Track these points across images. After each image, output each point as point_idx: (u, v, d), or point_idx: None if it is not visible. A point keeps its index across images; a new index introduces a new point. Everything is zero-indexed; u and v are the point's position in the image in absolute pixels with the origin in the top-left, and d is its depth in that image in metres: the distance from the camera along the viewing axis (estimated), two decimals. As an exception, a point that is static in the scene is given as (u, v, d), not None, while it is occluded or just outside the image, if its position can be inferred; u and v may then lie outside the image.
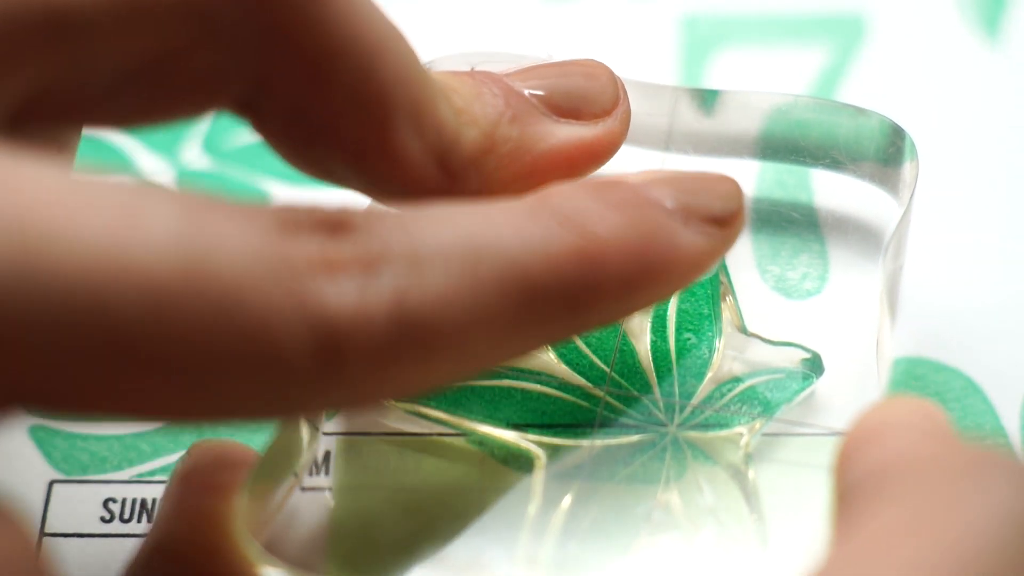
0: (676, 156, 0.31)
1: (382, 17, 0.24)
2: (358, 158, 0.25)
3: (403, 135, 0.24)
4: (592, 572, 0.26)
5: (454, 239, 0.21)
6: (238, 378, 0.20)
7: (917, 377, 0.30)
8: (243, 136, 0.34)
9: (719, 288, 0.29)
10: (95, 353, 0.19)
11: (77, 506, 0.29)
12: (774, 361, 0.28)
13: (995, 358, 0.30)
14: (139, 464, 0.30)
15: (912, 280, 0.31)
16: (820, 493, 0.24)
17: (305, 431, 0.27)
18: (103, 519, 0.29)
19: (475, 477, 0.28)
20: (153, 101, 0.24)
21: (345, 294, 0.20)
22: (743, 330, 0.29)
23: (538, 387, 0.28)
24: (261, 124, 0.25)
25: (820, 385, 0.28)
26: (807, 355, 0.28)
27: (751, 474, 0.27)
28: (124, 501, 0.29)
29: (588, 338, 0.29)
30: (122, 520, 0.29)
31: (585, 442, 0.28)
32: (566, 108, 0.27)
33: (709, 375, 0.28)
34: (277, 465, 0.26)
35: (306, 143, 0.25)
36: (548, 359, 0.29)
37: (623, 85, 0.28)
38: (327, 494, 0.28)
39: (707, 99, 0.30)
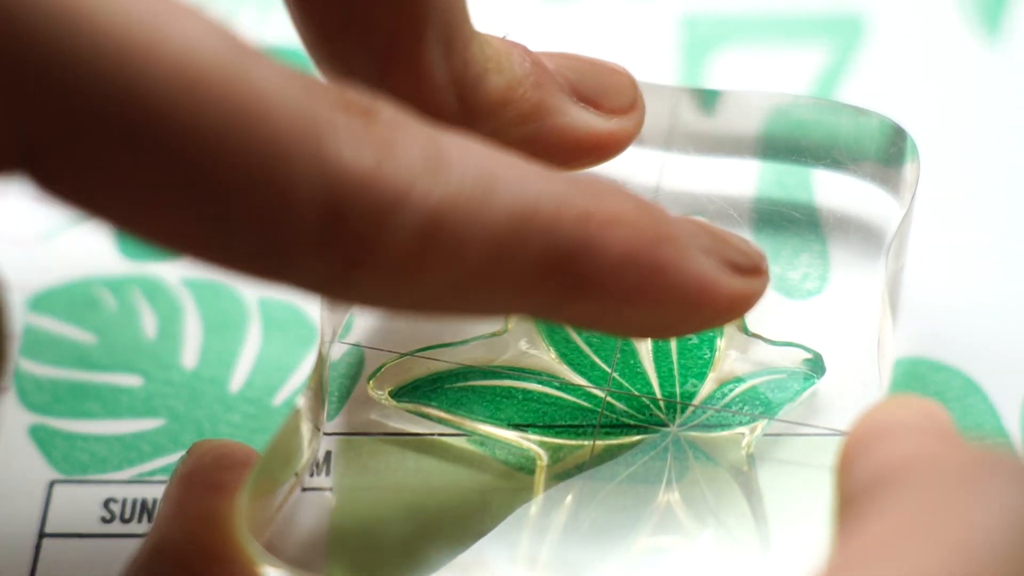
0: (676, 156, 0.31)
1: None
2: (385, 59, 0.25)
3: (432, 51, 0.25)
4: (593, 572, 0.26)
5: (476, 160, 0.21)
6: (240, 203, 0.20)
7: (917, 377, 0.30)
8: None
9: (720, 288, 0.29)
10: (109, 122, 0.19)
11: (77, 506, 0.29)
12: (775, 361, 0.28)
13: (995, 358, 0.30)
14: (139, 464, 0.29)
15: (913, 280, 0.31)
16: (822, 493, 0.24)
17: (306, 431, 0.27)
18: (103, 519, 0.29)
19: (476, 477, 0.28)
20: None
21: (362, 159, 0.20)
22: (744, 330, 0.29)
23: (539, 387, 0.28)
24: (302, 10, 0.25)
25: (821, 385, 0.28)
26: (808, 355, 0.28)
27: (753, 474, 0.27)
28: (124, 501, 0.29)
29: (589, 338, 0.29)
30: (122, 520, 0.29)
31: (586, 442, 0.28)
32: (587, 95, 0.27)
33: (711, 375, 0.28)
34: (278, 465, 0.26)
35: (339, 28, 0.25)
36: (549, 359, 0.29)
37: (641, 94, 0.28)
38: (328, 494, 0.28)
39: (708, 99, 0.30)
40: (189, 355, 0.31)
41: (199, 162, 0.19)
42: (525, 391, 0.28)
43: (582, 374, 0.28)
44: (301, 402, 0.27)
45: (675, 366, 0.28)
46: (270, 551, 0.25)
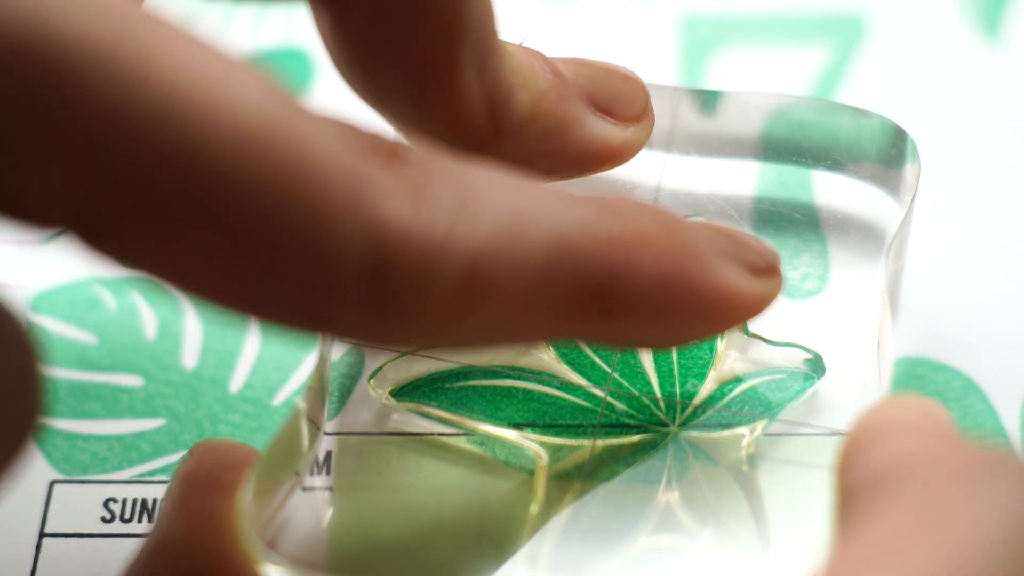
0: (677, 156, 0.31)
1: None
2: (420, 79, 0.25)
3: (467, 70, 0.25)
4: (593, 572, 0.26)
5: (505, 196, 0.21)
6: (287, 261, 0.20)
7: (917, 377, 0.30)
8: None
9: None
10: (165, 182, 0.19)
11: (77, 506, 0.29)
12: (776, 361, 0.28)
13: (995, 358, 0.30)
14: (139, 464, 0.29)
15: (913, 280, 0.31)
16: (822, 493, 0.24)
17: (306, 431, 0.27)
18: (103, 519, 0.29)
19: (476, 477, 0.28)
20: None
21: (400, 210, 0.20)
22: (744, 330, 0.29)
23: (540, 387, 0.28)
24: (343, 19, 0.25)
25: (822, 385, 0.28)
26: (808, 355, 0.28)
27: (753, 474, 0.27)
28: (124, 501, 0.29)
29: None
30: (123, 520, 0.29)
31: (586, 442, 0.28)
32: (602, 104, 0.27)
33: (711, 375, 0.28)
34: (278, 465, 0.26)
35: (378, 49, 0.25)
36: (549, 359, 0.29)
37: (651, 100, 0.28)
38: (328, 494, 0.28)
39: (708, 100, 0.30)
40: (189, 355, 0.31)
41: (250, 222, 0.19)
42: (525, 391, 0.28)
43: (582, 374, 0.28)
44: (301, 402, 0.27)
45: (675, 366, 0.28)
46: (270, 550, 0.25)
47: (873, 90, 0.35)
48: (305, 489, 0.28)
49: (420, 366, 0.29)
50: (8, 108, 0.18)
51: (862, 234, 0.31)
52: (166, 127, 0.19)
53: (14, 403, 0.20)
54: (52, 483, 0.29)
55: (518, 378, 0.28)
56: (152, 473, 0.29)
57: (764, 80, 0.35)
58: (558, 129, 0.27)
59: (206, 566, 0.25)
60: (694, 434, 0.28)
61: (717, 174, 0.31)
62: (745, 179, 0.31)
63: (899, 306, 0.30)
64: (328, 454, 0.28)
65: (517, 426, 0.28)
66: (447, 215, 0.21)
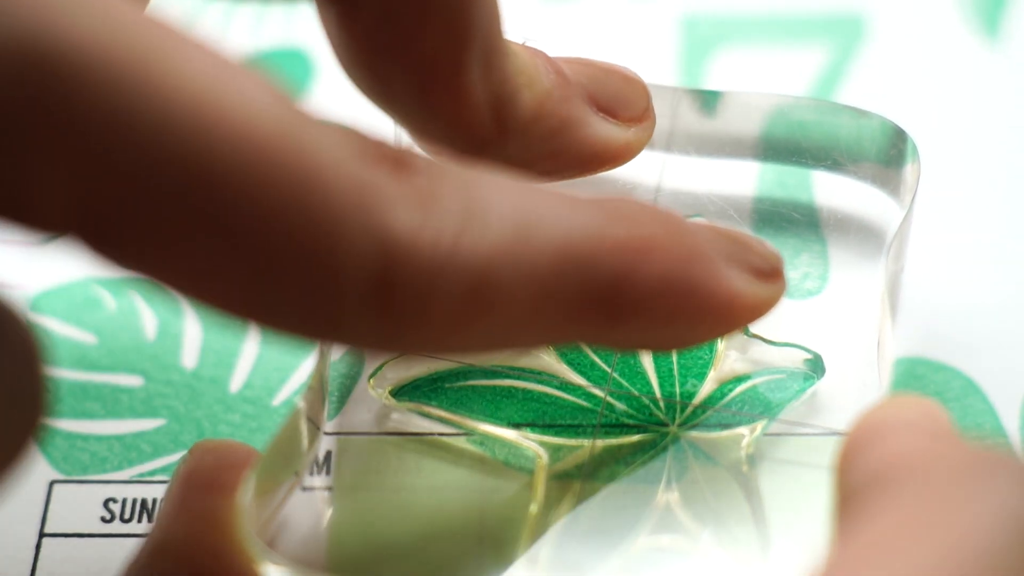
0: (677, 156, 0.31)
1: None
2: (426, 79, 0.25)
3: (473, 72, 0.25)
4: (592, 572, 0.26)
5: (511, 203, 0.21)
6: (294, 270, 0.20)
7: (917, 377, 0.30)
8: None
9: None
10: (172, 189, 0.19)
11: (77, 506, 0.29)
12: (775, 361, 0.28)
13: (995, 358, 0.30)
14: (139, 464, 0.29)
15: (912, 280, 0.31)
16: (822, 493, 0.24)
17: (306, 431, 0.27)
18: (103, 519, 0.29)
19: (476, 477, 0.28)
20: None
21: (407, 220, 0.20)
22: (744, 330, 0.29)
23: (539, 387, 0.28)
24: (351, 18, 0.25)
25: (821, 385, 0.28)
26: (808, 355, 0.28)
27: (752, 474, 0.27)
28: (124, 501, 0.29)
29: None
30: (122, 520, 0.29)
31: (586, 442, 0.28)
32: (605, 105, 0.27)
33: (711, 375, 0.28)
34: (278, 465, 0.26)
35: (385, 49, 0.25)
36: (549, 359, 0.29)
37: (651, 100, 0.28)
38: (328, 494, 0.28)
39: (708, 100, 0.30)
40: (189, 355, 0.31)
41: (256, 229, 0.19)
42: (525, 390, 0.28)
43: (582, 373, 0.28)
44: (301, 402, 0.27)
45: (675, 366, 0.28)
46: (271, 549, 0.25)
47: (873, 90, 0.35)
48: (305, 489, 0.28)
49: (420, 366, 0.29)
50: (15, 113, 0.18)
51: (862, 234, 0.31)
52: (173, 133, 0.19)
53: (17, 405, 0.20)
54: (52, 483, 0.29)
55: (518, 378, 0.28)
56: (152, 473, 0.29)
57: (764, 80, 0.35)
58: (561, 130, 0.27)
59: (206, 566, 0.25)
60: (694, 434, 0.28)
61: (717, 174, 0.31)
62: (745, 179, 0.31)
63: (899, 306, 0.30)
64: (328, 454, 0.28)
65: (517, 426, 0.28)
66: (454, 224, 0.21)
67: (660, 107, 0.30)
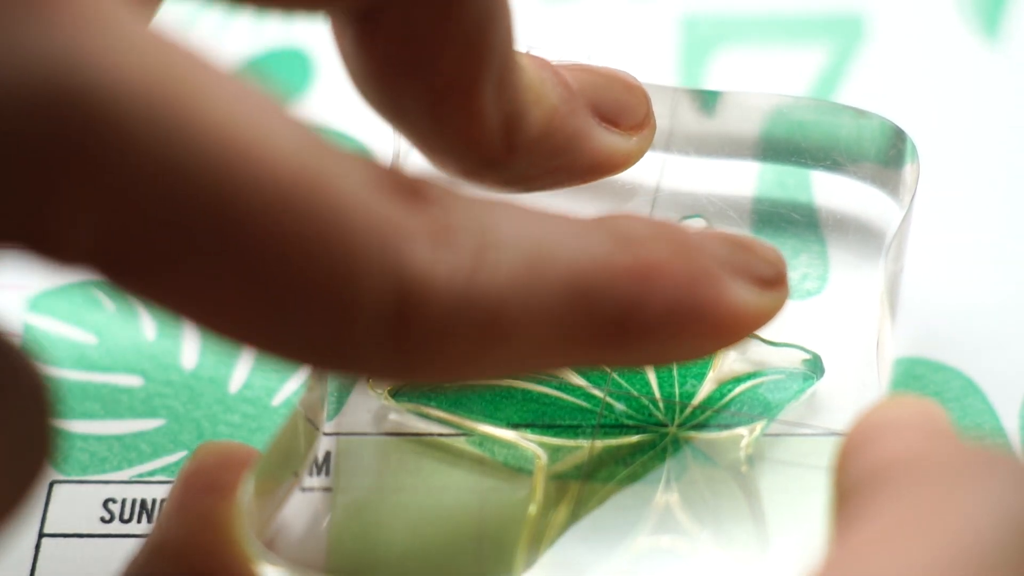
0: (677, 157, 0.31)
1: None
2: (442, 99, 0.25)
3: (488, 92, 0.25)
4: (592, 572, 0.26)
5: (522, 235, 0.22)
6: (311, 304, 0.20)
7: (917, 377, 0.30)
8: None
9: (719, 288, 0.29)
10: (195, 223, 0.19)
11: (77, 506, 0.29)
12: (775, 362, 0.28)
13: (995, 358, 0.30)
14: (139, 464, 0.30)
15: (912, 280, 0.31)
16: (820, 494, 0.24)
17: (306, 431, 0.27)
18: (103, 519, 0.29)
19: (475, 477, 0.28)
20: None
21: (423, 256, 0.20)
22: (744, 331, 0.29)
23: (539, 387, 0.28)
24: (369, 37, 0.25)
25: (821, 386, 0.28)
26: (807, 356, 0.28)
27: (751, 475, 0.27)
28: (124, 501, 0.29)
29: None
30: (122, 520, 0.29)
31: (585, 442, 0.28)
32: (607, 115, 0.28)
33: (710, 376, 0.28)
34: (278, 465, 0.26)
35: (401, 68, 0.25)
36: (548, 359, 0.29)
37: (652, 107, 0.28)
38: (327, 494, 0.28)
39: (708, 100, 0.30)
40: (189, 355, 0.31)
41: (278, 265, 0.19)
42: (524, 391, 0.28)
43: (581, 374, 0.28)
44: (300, 402, 0.27)
45: (674, 367, 0.28)
46: (269, 550, 0.25)
47: (873, 90, 0.35)
48: (304, 489, 0.28)
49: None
50: (43, 146, 0.18)
51: (861, 234, 0.31)
52: (201, 170, 0.19)
53: (23, 453, 0.20)
54: (52, 483, 0.29)
55: (517, 378, 0.28)
56: (151, 473, 0.29)
57: (764, 80, 0.35)
58: (567, 145, 0.27)
59: (204, 567, 0.25)
60: (693, 435, 0.28)
61: (716, 174, 0.31)
62: (745, 179, 0.31)
63: (898, 306, 0.30)
64: (327, 454, 0.28)
65: (516, 426, 0.28)
66: (468, 258, 0.21)
67: (659, 107, 0.30)
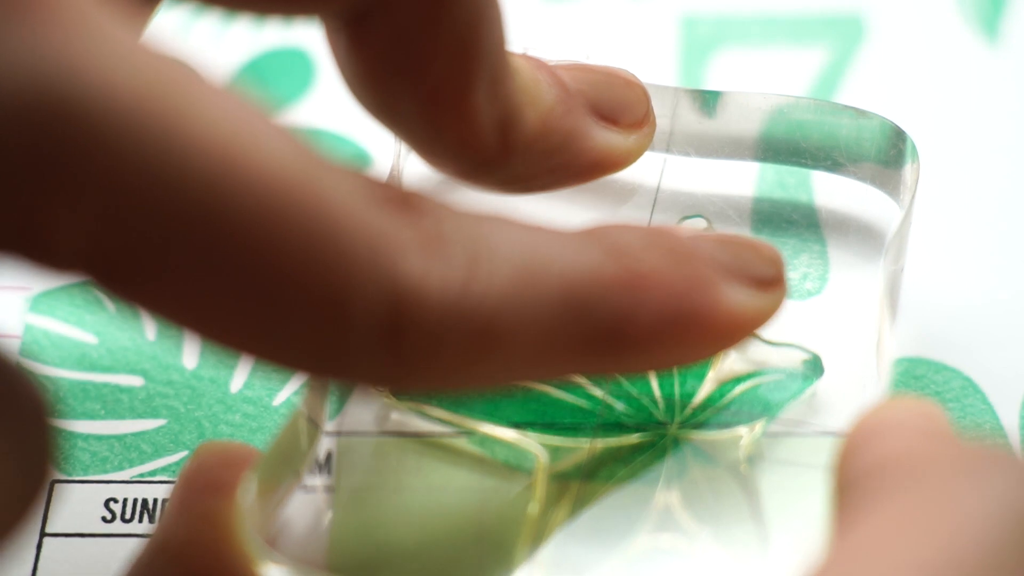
0: (677, 157, 0.31)
1: None
2: (435, 101, 0.25)
3: (481, 94, 0.25)
4: (592, 572, 0.26)
5: (514, 246, 0.22)
6: (303, 313, 0.20)
7: (917, 377, 0.30)
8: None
9: (719, 288, 0.29)
10: (188, 232, 0.19)
11: (78, 506, 0.29)
12: (774, 361, 0.28)
13: (995, 358, 0.30)
14: (140, 464, 0.30)
15: (912, 280, 0.31)
16: (821, 493, 0.24)
17: (307, 431, 0.27)
18: (104, 519, 0.29)
19: (475, 477, 0.28)
20: None
21: (416, 267, 0.20)
22: (744, 331, 0.29)
23: (539, 387, 0.28)
24: (361, 40, 0.25)
25: (820, 386, 0.28)
26: (807, 356, 0.28)
27: (751, 474, 0.27)
28: (125, 501, 0.29)
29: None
30: (123, 520, 0.29)
31: (585, 442, 0.28)
32: (606, 113, 0.28)
33: (709, 375, 0.28)
34: (279, 465, 0.26)
35: (394, 71, 0.25)
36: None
37: (651, 105, 0.28)
38: (328, 494, 0.28)
39: (708, 100, 0.30)
40: (190, 355, 0.31)
41: (271, 275, 0.19)
42: (525, 390, 0.28)
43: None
44: (301, 401, 0.27)
45: (674, 367, 0.28)
46: (271, 550, 0.25)
47: (873, 90, 0.35)
48: (306, 489, 0.28)
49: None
50: (34, 155, 0.18)
51: (861, 235, 0.31)
52: (193, 180, 0.19)
53: (24, 466, 0.20)
54: (53, 483, 0.29)
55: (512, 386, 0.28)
56: (153, 473, 0.29)
57: (764, 80, 0.35)
58: (564, 145, 0.27)
59: (206, 566, 0.25)
60: (693, 435, 0.28)
61: (716, 174, 0.31)
62: (744, 180, 0.31)
63: (898, 306, 0.30)
64: (329, 454, 0.28)
65: (516, 426, 0.28)
66: (461, 268, 0.21)
67: (659, 107, 0.30)
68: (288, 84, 0.36)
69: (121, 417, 0.30)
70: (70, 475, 0.29)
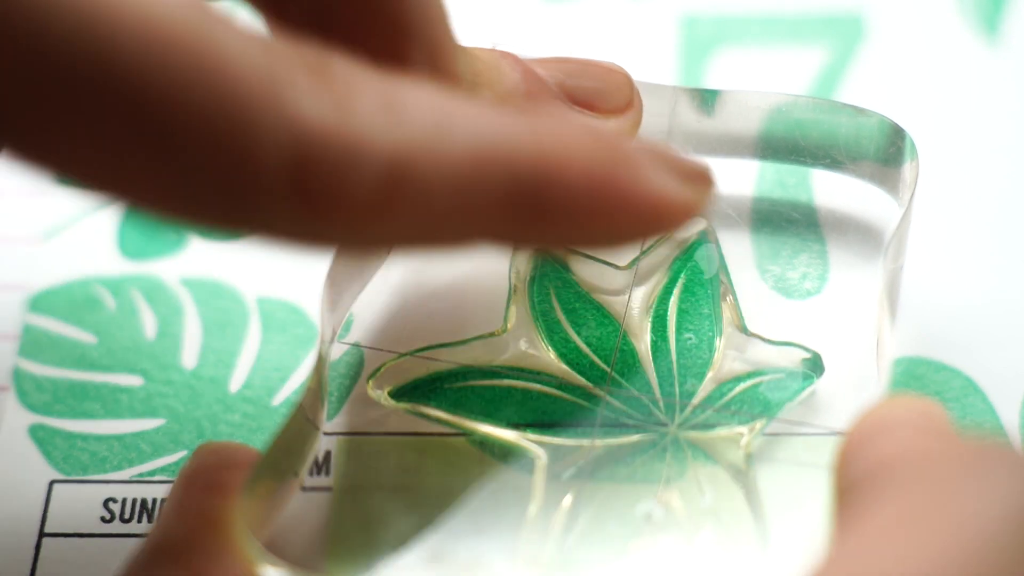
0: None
1: None
2: None
3: (418, 73, 0.25)
4: (592, 572, 0.26)
5: (432, 104, 0.22)
6: (207, 159, 0.20)
7: (917, 377, 0.30)
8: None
9: (719, 288, 0.29)
10: (74, 81, 0.19)
11: (77, 506, 0.29)
12: (774, 361, 0.28)
13: (995, 358, 0.30)
14: (139, 464, 0.30)
15: (912, 280, 0.31)
16: (820, 492, 0.24)
17: (306, 431, 0.27)
18: (103, 519, 0.29)
19: (475, 477, 0.28)
20: None
21: (322, 113, 0.21)
22: (743, 330, 0.29)
23: (539, 387, 0.28)
24: (285, 26, 0.25)
25: (820, 385, 0.28)
26: (807, 355, 0.28)
27: (751, 473, 0.27)
28: (124, 501, 0.29)
29: (589, 338, 0.29)
30: (122, 520, 0.29)
31: (585, 442, 0.28)
32: (582, 99, 0.27)
33: (709, 375, 0.28)
34: (278, 464, 0.26)
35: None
36: (549, 359, 0.29)
37: (639, 92, 0.28)
38: (328, 494, 0.28)
39: (707, 99, 0.30)
40: (189, 355, 0.31)
41: (165, 120, 0.20)
42: (524, 391, 0.28)
43: (581, 374, 0.28)
44: (301, 402, 0.27)
45: (674, 366, 0.28)
46: (270, 550, 0.25)
47: (873, 90, 0.35)
48: (305, 489, 0.28)
49: (419, 367, 0.29)
50: None
51: (861, 233, 0.31)
52: (71, 28, 0.19)
53: None
54: (52, 483, 0.29)
55: (517, 378, 0.28)
56: (152, 473, 0.29)
57: (764, 80, 0.35)
58: None
59: (204, 566, 0.25)
60: (693, 434, 0.28)
61: (716, 173, 0.31)
62: (744, 178, 0.31)
63: (898, 306, 0.30)
64: (328, 454, 0.28)
65: (516, 426, 0.28)
66: (369, 120, 0.21)
67: (659, 106, 0.30)
68: None
69: (120, 417, 0.30)
70: (69, 475, 0.29)
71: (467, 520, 0.27)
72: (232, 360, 0.31)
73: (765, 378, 0.28)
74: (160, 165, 0.20)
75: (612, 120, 0.28)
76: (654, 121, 0.30)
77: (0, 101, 0.19)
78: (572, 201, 0.22)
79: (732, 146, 0.31)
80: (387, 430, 0.29)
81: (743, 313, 0.29)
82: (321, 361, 0.27)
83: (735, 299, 0.29)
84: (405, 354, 0.29)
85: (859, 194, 0.30)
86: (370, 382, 0.29)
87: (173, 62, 0.19)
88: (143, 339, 0.31)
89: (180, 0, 0.20)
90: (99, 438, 0.30)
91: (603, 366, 0.28)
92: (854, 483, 0.22)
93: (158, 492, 0.29)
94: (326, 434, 0.29)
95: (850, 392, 0.28)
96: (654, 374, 0.28)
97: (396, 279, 0.30)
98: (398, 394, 0.29)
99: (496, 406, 0.28)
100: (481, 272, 0.30)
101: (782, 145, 0.30)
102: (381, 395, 0.29)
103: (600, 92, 0.28)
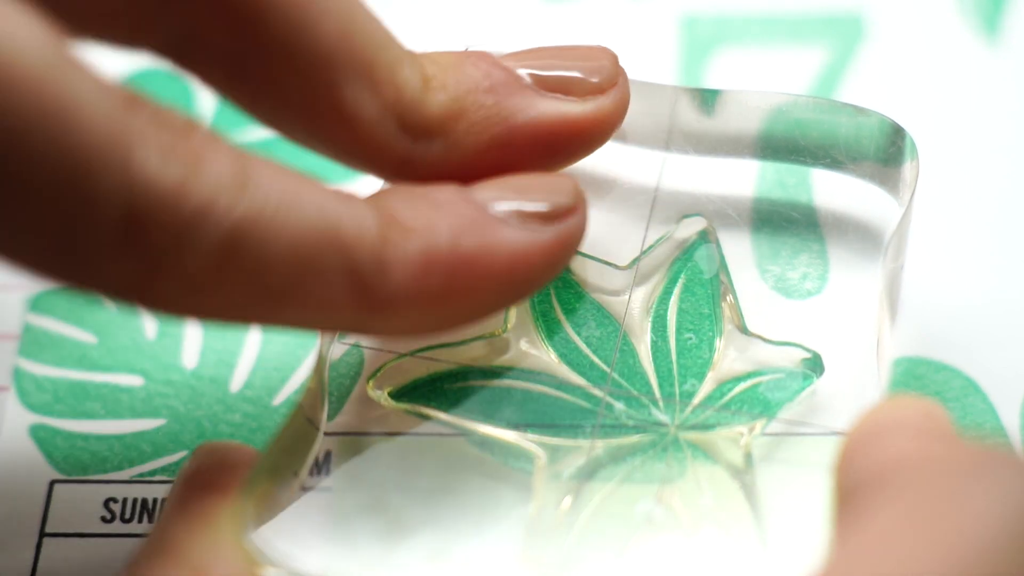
0: (676, 156, 0.31)
1: None
2: (309, 117, 0.25)
3: (354, 93, 0.25)
4: (592, 572, 0.26)
5: (281, 181, 0.22)
6: (42, 205, 0.20)
7: (917, 377, 0.30)
8: (254, 132, 0.34)
9: (719, 288, 0.29)
10: None
11: (77, 506, 0.29)
12: (774, 361, 0.28)
13: (995, 358, 0.30)
14: (139, 464, 0.30)
15: (912, 280, 0.31)
16: (821, 493, 0.24)
17: (306, 431, 0.27)
18: (104, 519, 0.29)
19: (475, 477, 0.28)
20: (73, 16, 0.23)
21: (167, 172, 0.20)
22: (743, 330, 0.29)
23: (539, 387, 0.28)
24: (203, 77, 0.25)
25: (820, 385, 0.28)
26: (807, 355, 0.28)
27: (751, 474, 0.27)
28: (125, 501, 0.29)
29: (589, 338, 0.29)
30: (123, 520, 0.29)
31: (585, 442, 0.28)
32: (555, 84, 0.27)
33: (709, 375, 0.28)
34: (278, 465, 0.26)
35: (252, 99, 0.25)
36: (549, 359, 0.29)
37: (625, 72, 0.28)
38: (328, 494, 0.28)
39: (707, 99, 0.30)
40: (189, 355, 0.31)
41: (5, 161, 0.19)
42: (524, 391, 0.28)
43: (581, 374, 0.28)
44: (301, 402, 0.27)
45: (674, 366, 0.28)
46: (269, 551, 0.25)
47: (873, 89, 0.35)
48: (305, 489, 0.28)
49: (419, 367, 0.29)
50: None
51: (861, 233, 0.31)
52: None
53: None
54: (52, 483, 0.29)
55: (517, 379, 0.28)
56: (152, 473, 0.29)
57: (764, 80, 0.35)
58: (493, 120, 0.26)
59: (204, 566, 0.25)
60: (693, 434, 0.28)
61: (716, 173, 0.31)
62: (744, 178, 0.31)
63: (899, 306, 0.30)
64: (328, 454, 0.28)
65: (516, 427, 0.28)
66: (215, 186, 0.21)
67: (659, 106, 0.30)
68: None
69: (121, 417, 0.30)
70: (69, 475, 0.29)
71: (467, 520, 0.27)
72: (233, 360, 0.31)
73: (765, 378, 0.28)
74: None
75: (592, 100, 0.27)
76: (655, 121, 0.30)
77: None
78: (413, 288, 0.23)
79: (732, 146, 0.31)
80: (387, 430, 0.28)
81: (743, 313, 0.29)
82: (321, 361, 0.27)
83: (735, 299, 0.29)
84: (405, 354, 0.29)
85: (859, 194, 0.30)
86: (370, 382, 0.29)
87: (15, 99, 0.19)
88: (143, 339, 0.31)
89: (36, 41, 0.20)
90: (99, 438, 0.30)
91: (603, 366, 0.28)
92: (855, 485, 0.22)
93: (158, 492, 0.29)
94: (326, 434, 0.29)
95: (850, 392, 0.28)
96: (654, 374, 0.28)
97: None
98: (398, 394, 0.29)
99: (496, 406, 0.28)
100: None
101: (782, 145, 0.30)
102: (381, 395, 0.29)
103: (572, 77, 0.27)
